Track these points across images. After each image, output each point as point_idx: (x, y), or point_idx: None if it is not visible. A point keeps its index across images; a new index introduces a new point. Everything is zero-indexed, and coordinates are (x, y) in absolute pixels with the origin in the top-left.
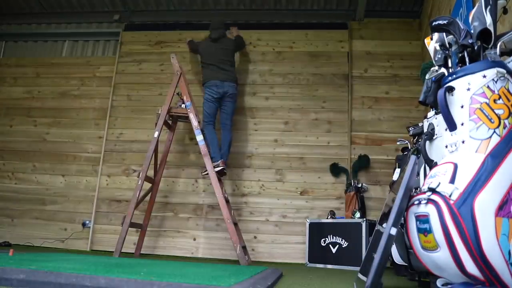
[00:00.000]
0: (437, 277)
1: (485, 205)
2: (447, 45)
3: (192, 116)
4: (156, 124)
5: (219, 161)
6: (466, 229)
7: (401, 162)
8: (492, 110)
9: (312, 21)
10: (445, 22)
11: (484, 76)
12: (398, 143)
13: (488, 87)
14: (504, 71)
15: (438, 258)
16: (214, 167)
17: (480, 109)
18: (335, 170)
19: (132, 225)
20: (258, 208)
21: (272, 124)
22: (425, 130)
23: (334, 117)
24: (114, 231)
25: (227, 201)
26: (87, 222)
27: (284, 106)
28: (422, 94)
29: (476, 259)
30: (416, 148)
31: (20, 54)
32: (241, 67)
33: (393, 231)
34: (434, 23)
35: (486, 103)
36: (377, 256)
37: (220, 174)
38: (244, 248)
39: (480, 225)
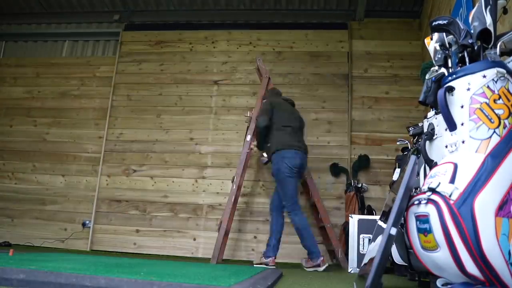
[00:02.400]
0: (437, 277)
1: (485, 205)
2: (447, 45)
3: None
4: (248, 127)
5: (321, 258)
6: (466, 229)
7: (401, 162)
8: (492, 110)
9: (312, 21)
10: (445, 22)
11: (484, 76)
12: (398, 143)
13: (488, 87)
14: (504, 71)
15: (438, 258)
16: (317, 265)
17: (480, 109)
18: (335, 170)
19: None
20: (258, 208)
21: None
22: (425, 130)
23: (334, 117)
24: (114, 231)
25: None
26: (87, 222)
27: None
28: (422, 94)
29: (476, 259)
30: (416, 148)
31: (20, 54)
32: (242, 67)
33: (393, 231)
34: (434, 23)
35: (486, 103)
36: (377, 256)
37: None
38: (346, 254)
39: (480, 225)
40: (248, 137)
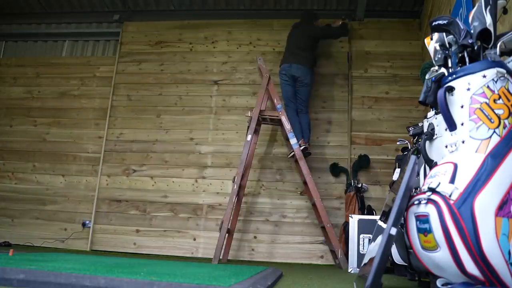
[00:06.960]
0: (437, 277)
1: (485, 205)
2: (447, 45)
3: (284, 119)
4: (248, 127)
5: (300, 140)
6: (466, 229)
7: (401, 162)
8: (492, 110)
9: None
10: (445, 22)
11: (484, 76)
12: (398, 143)
13: (488, 87)
14: (504, 71)
15: (438, 258)
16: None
17: (480, 109)
18: (335, 170)
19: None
20: (258, 208)
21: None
22: (425, 130)
23: (334, 117)
24: (114, 231)
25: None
26: (87, 222)
27: None
28: (422, 94)
29: (476, 259)
30: (416, 148)
31: (20, 54)
32: (242, 67)
33: (393, 231)
34: (434, 23)
35: (486, 103)
36: (377, 256)
37: (304, 155)
38: (346, 254)
39: (480, 225)
40: (249, 137)
